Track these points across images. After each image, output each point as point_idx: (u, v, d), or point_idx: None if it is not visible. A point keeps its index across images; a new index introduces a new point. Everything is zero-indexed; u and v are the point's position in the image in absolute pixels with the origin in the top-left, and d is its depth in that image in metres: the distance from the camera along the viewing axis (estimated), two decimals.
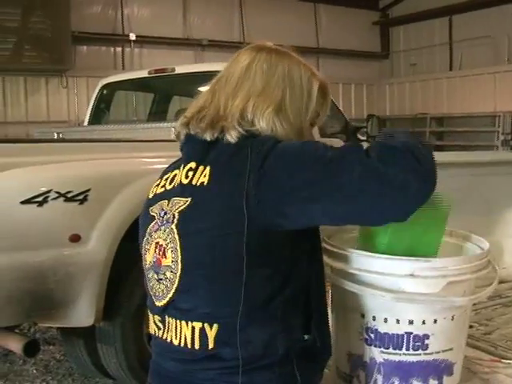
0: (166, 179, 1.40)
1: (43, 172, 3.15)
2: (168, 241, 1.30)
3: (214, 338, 1.25)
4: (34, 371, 3.92)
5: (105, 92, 6.18)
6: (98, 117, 6.12)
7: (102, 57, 10.48)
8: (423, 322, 1.30)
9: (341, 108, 7.53)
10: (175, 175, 1.37)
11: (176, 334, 1.30)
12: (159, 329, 1.36)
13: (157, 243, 1.33)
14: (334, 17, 13.11)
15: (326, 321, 1.34)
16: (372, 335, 1.34)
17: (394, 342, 1.31)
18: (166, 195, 1.36)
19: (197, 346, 1.26)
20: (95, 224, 3.11)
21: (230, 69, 1.46)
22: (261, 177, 1.22)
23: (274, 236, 1.23)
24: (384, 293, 1.27)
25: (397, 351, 1.31)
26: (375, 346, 1.32)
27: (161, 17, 10.98)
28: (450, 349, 1.35)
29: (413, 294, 1.25)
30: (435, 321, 1.30)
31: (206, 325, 1.26)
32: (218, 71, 4.77)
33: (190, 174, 1.32)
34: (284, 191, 1.21)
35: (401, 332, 1.30)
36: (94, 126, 5.52)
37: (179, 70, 5.45)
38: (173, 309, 1.31)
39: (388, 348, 1.31)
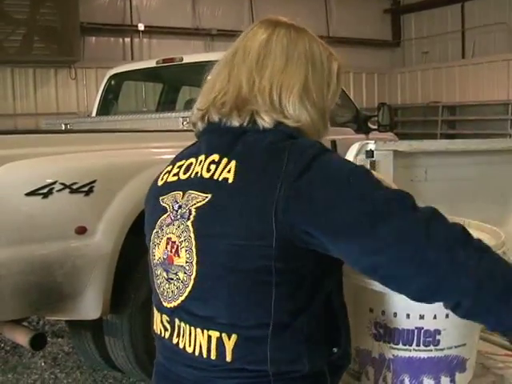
0: (180, 167, 1.28)
1: (48, 163, 3.12)
2: (182, 238, 1.20)
3: (233, 349, 1.15)
4: (43, 364, 3.91)
5: (113, 83, 6.16)
6: (106, 108, 6.10)
7: (110, 48, 10.46)
8: (434, 317, 1.24)
9: (352, 97, 7.47)
10: (191, 164, 1.26)
11: (190, 342, 1.20)
12: (166, 330, 1.26)
13: (168, 239, 1.22)
14: (344, 5, 13.01)
15: (349, 337, 1.27)
16: (381, 330, 1.28)
17: (403, 337, 1.26)
18: (181, 186, 1.25)
19: (213, 357, 1.17)
20: (101, 216, 3.08)
21: (247, 42, 1.33)
22: (294, 192, 1.11)
23: (300, 249, 1.13)
24: None
25: (407, 347, 1.26)
26: (384, 342, 1.27)
27: (170, 7, 10.93)
28: (463, 344, 1.30)
29: None
30: (447, 315, 1.24)
31: (223, 334, 1.16)
32: None
33: (213, 167, 1.20)
34: (315, 218, 1.10)
35: (411, 327, 1.25)
36: (102, 117, 5.49)
37: (187, 59, 5.41)
38: (185, 313, 1.21)
39: (398, 344, 1.26)
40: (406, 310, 1.23)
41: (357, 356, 1.35)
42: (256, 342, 1.15)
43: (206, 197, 1.18)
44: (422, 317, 1.24)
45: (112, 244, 3.05)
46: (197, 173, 1.23)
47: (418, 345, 1.26)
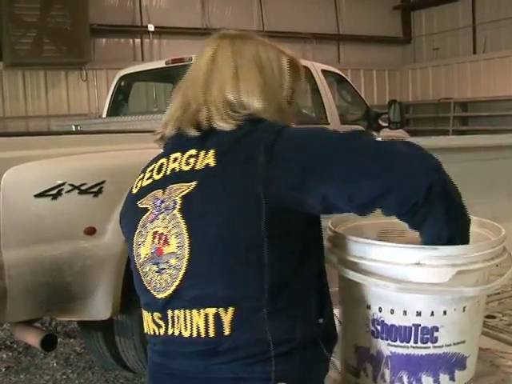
0: (151, 170, 1.36)
1: (57, 165, 3.14)
2: (170, 227, 1.25)
3: (230, 322, 1.20)
4: (55, 364, 3.94)
5: (123, 84, 6.19)
6: (116, 109, 6.13)
7: (120, 49, 10.49)
8: (432, 314, 1.24)
9: (362, 94, 7.46)
10: (162, 164, 1.34)
11: (186, 326, 1.23)
12: (160, 327, 1.29)
13: (155, 233, 1.27)
14: (354, 2, 12.94)
15: (331, 306, 1.34)
16: (378, 327, 1.28)
17: (401, 334, 1.26)
18: (158, 185, 1.31)
19: (211, 334, 1.21)
20: (111, 216, 3.10)
21: (196, 65, 1.44)
22: (272, 158, 1.20)
23: (289, 215, 1.20)
24: (388, 283, 1.21)
25: (404, 344, 1.26)
26: (382, 339, 1.27)
27: (179, 7, 10.94)
28: (462, 341, 1.29)
29: (419, 283, 1.20)
30: (445, 312, 1.24)
31: (220, 309, 1.20)
32: None
33: (192, 160, 1.28)
34: (295, 171, 1.19)
35: (408, 324, 1.25)
36: (112, 118, 5.52)
37: None
38: (179, 300, 1.25)
39: (395, 341, 1.26)
40: (403, 307, 1.23)
41: (355, 353, 1.36)
42: (252, 312, 1.20)
43: (191, 185, 1.25)
44: (419, 313, 1.24)
45: (121, 244, 3.05)
46: (173, 169, 1.30)
47: (415, 342, 1.26)
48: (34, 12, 9.00)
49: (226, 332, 1.20)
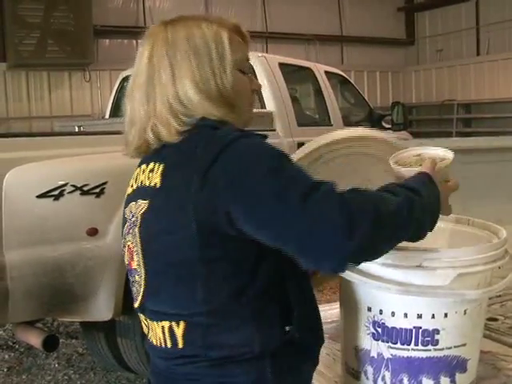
0: (134, 178, 1.39)
1: (59, 165, 3.14)
2: (134, 244, 1.31)
3: (182, 336, 1.24)
4: (56, 365, 3.94)
5: (125, 84, 6.18)
6: (119, 109, 6.13)
7: (124, 50, 10.45)
8: (433, 316, 1.24)
9: (366, 96, 7.45)
10: (137, 174, 1.36)
11: (154, 335, 1.31)
12: (146, 327, 1.36)
13: (128, 247, 1.33)
14: (357, 4, 12.93)
15: (310, 313, 1.32)
16: (379, 329, 1.28)
17: (401, 336, 1.25)
18: (133, 196, 1.35)
19: (169, 345, 1.27)
20: (113, 217, 3.10)
21: (136, 71, 1.38)
22: (204, 184, 1.17)
23: (227, 234, 1.18)
24: (390, 285, 1.21)
25: (405, 346, 1.26)
26: (382, 341, 1.27)
27: (183, 8, 10.92)
28: (463, 344, 1.29)
29: (420, 286, 1.19)
30: (446, 315, 1.24)
31: (173, 323, 1.25)
32: None
33: (151, 175, 1.30)
34: (224, 204, 1.16)
35: (409, 326, 1.25)
36: (115, 119, 5.52)
37: None
38: (146, 310, 1.32)
39: (396, 343, 1.26)
40: (403, 309, 1.23)
41: (356, 355, 1.35)
42: (202, 328, 1.22)
43: (146, 203, 1.28)
44: (419, 316, 1.24)
45: None
46: (142, 181, 1.33)
47: (416, 344, 1.25)
48: (37, 13, 9.01)
49: (180, 345, 1.25)
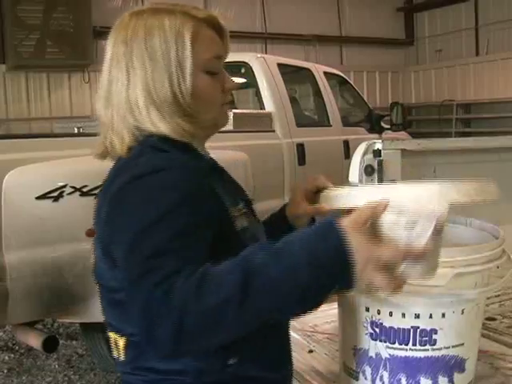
0: None
1: (58, 167, 3.14)
2: None
3: (123, 349, 1.22)
4: (57, 366, 3.94)
5: None
6: None
7: None
8: (430, 316, 1.24)
9: (365, 96, 7.45)
10: None
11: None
12: None
13: None
14: (357, 4, 12.93)
15: (264, 347, 1.21)
16: (377, 329, 1.28)
17: (399, 336, 1.26)
18: None
19: (116, 355, 1.26)
20: None
21: (101, 75, 1.32)
22: (103, 216, 1.19)
23: None
24: None
25: (403, 346, 1.26)
26: (380, 341, 1.27)
27: None
28: (461, 344, 1.29)
29: (417, 286, 1.19)
30: (443, 315, 1.24)
31: (117, 336, 1.23)
32: (237, 62, 4.76)
33: None
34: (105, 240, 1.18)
35: (407, 326, 1.25)
36: None
37: None
38: None
39: (394, 343, 1.26)
40: (401, 309, 1.23)
41: (354, 355, 1.36)
42: (140, 349, 1.18)
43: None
44: (417, 316, 1.24)
45: None
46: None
47: (414, 344, 1.26)
48: (36, 14, 9.01)
49: (121, 357, 1.23)
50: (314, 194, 1.43)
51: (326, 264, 0.99)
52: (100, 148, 1.32)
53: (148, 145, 1.22)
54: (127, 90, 1.24)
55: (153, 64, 1.23)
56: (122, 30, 1.28)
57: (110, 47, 1.29)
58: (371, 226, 1.03)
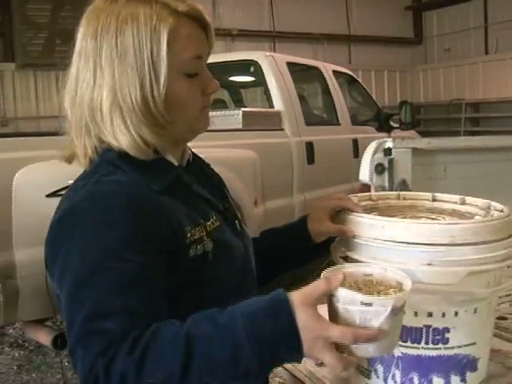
0: None
1: (68, 165, 3.15)
2: None
3: None
4: (66, 363, 3.94)
5: None
6: None
7: None
8: (443, 315, 1.24)
9: (374, 95, 7.45)
10: None
11: None
12: None
13: None
14: (365, 3, 12.92)
15: None
16: None
17: (412, 335, 1.25)
18: None
19: None
20: None
21: (72, 60, 1.19)
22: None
23: None
24: None
25: (415, 345, 1.25)
26: None
27: None
28: (473, 343, 1.28)
29: (429, 284, 1.19)
30: (456, 313, 1.24)
31: None
32: (246, 60, 4.76)
33: None
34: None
35: (419, 325, 1.24)
36: None
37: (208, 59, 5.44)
38: None
39: (406, 341, 1.26)
40: (413, 308, 1.23)
41: None
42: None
43: None
44: (430, 314, 1.24)
45: None
46: None
47: (426, 343, 1.25)
48: (45, 13, 9.05)
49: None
50: (337, 213, 1.40)
51: (272, 344, 0.96)
52: (67, 151, 1.25)
53: (106, 160, 1.15)
54: (92, 92, 1.14)
55: (122, 65, 1.11)
56: (93, 19, 1.16)
57: (79, 39, 1.17)
58: (328, 301, 1.01)
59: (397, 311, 0.98)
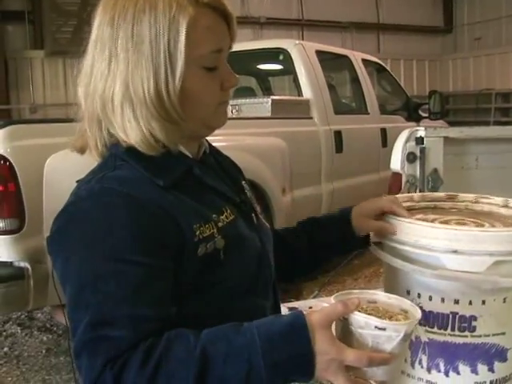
0: None
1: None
2: None
3: None
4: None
5: None
6: None
7: None
8: (470, 303, 1.23)
9: (402, 85, 7.39)
10: None
11: None
12: None
13: None
14: None
15: None
16: None
17: (438, 321, 1.25)
18: None
19: None
20: None
21: (88, 47, 1.17)
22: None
23: None
24: (424, 269, 1.21)
25: (442, 331, 1.25)
26: (420, 325, 1.26)
27: None
28: (502, 333, 1.27)
29: (455, 271, 1.19)
30: (483, 302, 1.23)
31: None
32: (276, 48, 4.75)
33: None
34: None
35: (446, 311, 1.24)
36: None
37: (236, 47, 5.44)
38: None
39: (433, 327, 1.26)
40: (440, 294, 1.23)
41: None
42: None
43: None
44: (456, 301, 1.23)
45: None
46: None
47: (452, 329, 1.25)
48: (74, 1, 9.13)
49: None
50: (381, 214, 1.38)
51: (287, 369, 0.97)
52: (79, 142, 1.22)
53: (114, 154, 1.13)
54: (105, 83, 1.10)
55: (137, 55, 1.07)
56: (110, 7, 1.11)
57: (95, 28, 1.13)
58: (340, 324, 1.02)
59: (407, 337, 1.01)
